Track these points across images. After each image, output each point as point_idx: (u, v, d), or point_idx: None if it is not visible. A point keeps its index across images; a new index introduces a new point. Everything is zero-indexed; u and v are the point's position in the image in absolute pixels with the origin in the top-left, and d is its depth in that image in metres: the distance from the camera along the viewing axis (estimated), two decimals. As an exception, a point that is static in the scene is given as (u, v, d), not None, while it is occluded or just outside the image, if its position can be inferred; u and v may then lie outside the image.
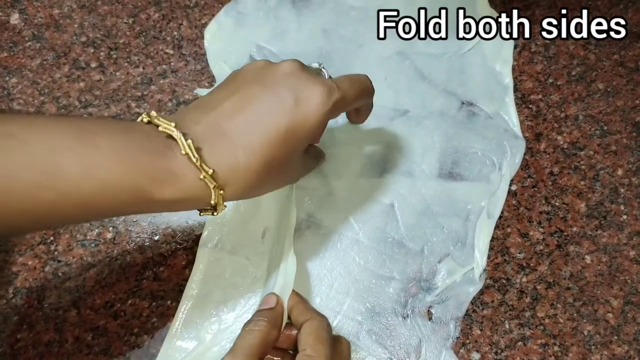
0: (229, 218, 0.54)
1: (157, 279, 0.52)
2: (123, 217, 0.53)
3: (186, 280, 0.52)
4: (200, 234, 0.53)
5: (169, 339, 0.50)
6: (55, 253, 0.52)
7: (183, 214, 0.54)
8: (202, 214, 0.41)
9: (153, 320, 0.51)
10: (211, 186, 0.37)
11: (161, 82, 0.57)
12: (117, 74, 0.57)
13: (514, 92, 0.58)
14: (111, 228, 0.53)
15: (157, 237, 0.53)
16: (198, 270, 0.52)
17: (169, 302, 0.51)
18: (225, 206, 0.40)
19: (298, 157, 0.43)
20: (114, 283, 0.51)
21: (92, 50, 0.57)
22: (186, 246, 0.53)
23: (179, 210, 0.39)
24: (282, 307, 0.45)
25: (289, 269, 0.47)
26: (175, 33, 0.58)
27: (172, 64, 0.58)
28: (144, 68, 0.57)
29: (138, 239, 0.53)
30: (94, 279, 0.51)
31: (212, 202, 0.38)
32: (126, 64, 0.57)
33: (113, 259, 0.52)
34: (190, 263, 0.52)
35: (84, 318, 0.50)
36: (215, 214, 0.40)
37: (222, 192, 0.38)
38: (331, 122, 0.55)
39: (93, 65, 0.57)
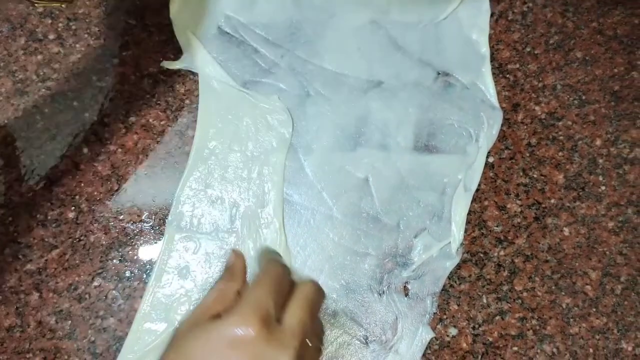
0: (197, 197, 0.52)
1: (123, 259, 0.50)
2: (85, 196, 0.51)
3: (153, 260, 0.50)
4: (168, 212, 0.51)
5: (137, 321, 0.49)
6: (15, 234, 0.49)
7: (149, 190, 0.51)
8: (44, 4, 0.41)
9: (119, 303, 0.49)
10: None
11: (123, 54, 0.54)
12: (77, 46, 0.54)
13: (491, 61, 0.57)
14: (73, 207, 0.50)
15: (122, 216, 0.51)
16: (166, 250, 0.50)
17: (136, 283, 0.49)
18: None
19: None
20: (78, 265, 0.49)
21: (50, 21, 0.54)
22: (153, 225, 0.51)
23: None
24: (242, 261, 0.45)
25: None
26: (138, 2, 0.56)
27: (134, 35, 0.55)
28: (105, 40, 0.55)
29: (102, 219, 0.51)
30: (56, 261, 0.49)
31: None
32: (86, 36, 0.55)
33: (76, 240, 0.50)
34: (158, 242, 0.50)
35: (47, 301, 0.48)
36: None
37: None
38: (301, 95, 0.54)
39: (51, 37, 0.54)
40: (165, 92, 0.54)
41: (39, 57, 0.54)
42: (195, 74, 0.54)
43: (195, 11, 0.56)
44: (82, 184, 0.51)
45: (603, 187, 0.53)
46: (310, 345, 0.38)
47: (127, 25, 0.55)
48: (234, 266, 0.44)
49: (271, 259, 0.44)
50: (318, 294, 0.41)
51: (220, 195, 0.52)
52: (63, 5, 0.47)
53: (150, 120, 0.53)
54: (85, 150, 0.52)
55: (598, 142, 0.54)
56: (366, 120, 0.55)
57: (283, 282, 0.41)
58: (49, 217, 0.50)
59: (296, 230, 0.52)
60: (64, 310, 0.48)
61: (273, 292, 0.39)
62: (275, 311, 0.38)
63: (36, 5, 0.45)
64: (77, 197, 0.51)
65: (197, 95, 0.54)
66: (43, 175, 0.51)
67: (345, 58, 0.56)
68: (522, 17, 0.59)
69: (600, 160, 0.54)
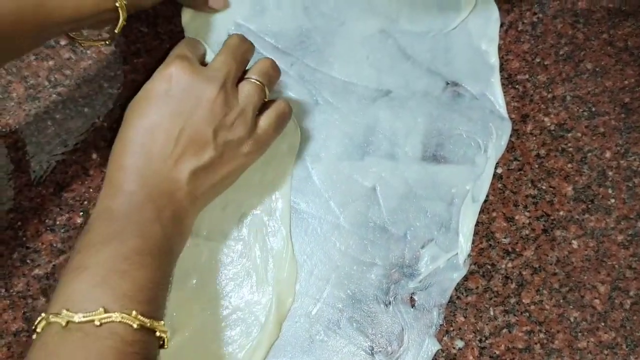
0: (205, 202, 0.52)
1: (130, 265, 0.50)
2: (95, 202, 0.51)
3: (160, 266, 0.50)
4: (176, 219, 0.51)
5: (143, 327, 0.48)
6: (24, 239, 0.50)
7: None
8: (88, 44, 0.50)
9: (126, 309, 0.49)
10: None
11: (135, 61, 0.55)
12: (89, 52, 0.55)
13: (500, 72, 0.57)
14: (82, 213, 0.51)
15: (130, 222, 0.51)
16: (173, 257, 0.50)
17: (142, 289, 0.49)
18: (125, 22, 0.46)
19: None
20: (85, 270, 0.49)
21: (62, 28, 0.55)
22: (160, 232, 0.51)
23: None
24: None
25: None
26: (151, 10, 0.56)
27: (146, 42, 0.55)
28: (116, 46, 0.55)
29: (110, 225, 0.51)
30: (64, 266, 0.49)
31: (117, 3, 0.44)
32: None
33: (84, 245, 0.50)
34: (165, 249, 0.50)
35: (54, 306, 0.48)
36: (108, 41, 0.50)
37: None
38: (309, 103, 0.54)
39: (63, 43, 0.55)
40: (175, 100, 0.54)
41: (51, 62, 0.54)
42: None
43: (206, 19, 0.57)
44: (92, 190, 0.51)
45: (612, 200, 0.52)
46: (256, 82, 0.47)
47: (139, 32, 0.56)
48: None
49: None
50: (240, 42, 0.49)
51: (228, 203, 0.52)
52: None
53: (160, 127, 0.53)
54: (95, 156, 0.52)
55: (608, 154, 0.54)
56: (374, 129, 0.55)
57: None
58: (58, 222, 0.50)
59: (303, 238, 0.52)
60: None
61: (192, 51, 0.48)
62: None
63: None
64: (86, 202, 0.51)
65: (207, 103, 0.54)
66: (52, 181, 0.51)
67: (354, 67, 0.56)
68: (532, 27, 0.59)
69: (610, 173, 0.53)
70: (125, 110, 0.45)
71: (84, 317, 0.34)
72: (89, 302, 0.35)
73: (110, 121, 0.53)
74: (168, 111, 0.43)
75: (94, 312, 0.34)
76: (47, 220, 0.50)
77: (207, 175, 0.45)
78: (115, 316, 0.34)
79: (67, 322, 0.34)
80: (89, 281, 0.36)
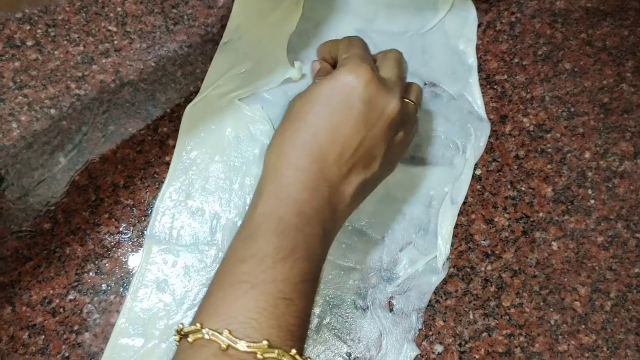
0: (177, 208, 0.50)
1: (100, 272, 0.48)
2: (62, 206, 0.49)
3: (131, 273, 0.48)
4: (147, 224, 0.50)
5: (113, 336, 0.47)
6: (-13, 246, 0.48)
7: (127, 200, 0.50)
8: None
9: (95, 317, 0.47)
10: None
11: (103, 61, 0.53)
12: (56, 52, 0.53)
13: (479, 72, 0.56)
14: (48, 218, 0.49)
15: (99, 227, 0.49)
16: (144, 262, 0.49)
17: (112, 296, 0.48)
18: None
19: None
20: (52, 277, 0.48)
21: (29, 27, 0.53)
22: (131, 237, 0.49)
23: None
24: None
25: None
26: (119, 9, 0.54)
27: (115, 42, 0.54)
28: (84, 46, 0.53)
29: (78, 230, 0.49)
30: (30, 274, 0.48)
31: None
32: (65, 42, 0.53)
33: (51, 252, 0.48)
34: (136, 255, 0.49)
35: (20, 315, 0.47)
36: None
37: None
38: (284, 105, 0.52)
39: (29, 43, 0.53)
40: (146, 101, 0.53)
41: (17, 63, 0.52)
42: (176, 83, 0.53)
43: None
44: (59, 194, 0.50)
45: (592, 201, 0.52)
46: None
47: (108, 32, 0.54)
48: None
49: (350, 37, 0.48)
50: (402, 58, 0.48)
51: (200, 207, 0.51)
52: None
53: (130, 129, 0.52)
54: (62, 159, 0.51)
55: (587, 154, 0.53)
56: (352, 130, 0.54)
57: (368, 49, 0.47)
58: (24, 228, 0.49)
59: (278, 243, 0.50)
60: (38, 325, 0.47)
61: (366, 53, 0.45)
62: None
63: None
64: (52, 207, 0.49)
65: (178, 104, 0.53)
66: (18, 185, 0.49)
67: (331, 67, 0.55)
68: (510, 27, 0.58)
69: (590, 174, 0.53)
70: (293, 101, 0.43)
71: (247, 347, 0.32)
72: (253, 329, 0.33)
73: (78, 123, 0.51)
74: (353, 118, 0.40)
75: (258, 344, 0.33)
76: (12, 226, 0.49)
77: (364, 191, 0.43)
78: (278, 353, 0.33)
79: (228, 347, 0.33)
80: (256, 303, 0.34)
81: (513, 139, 0.54)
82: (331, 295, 0.49)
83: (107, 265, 0.49)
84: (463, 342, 0.48)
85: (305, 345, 0.37)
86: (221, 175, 0.51)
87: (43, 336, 0.46)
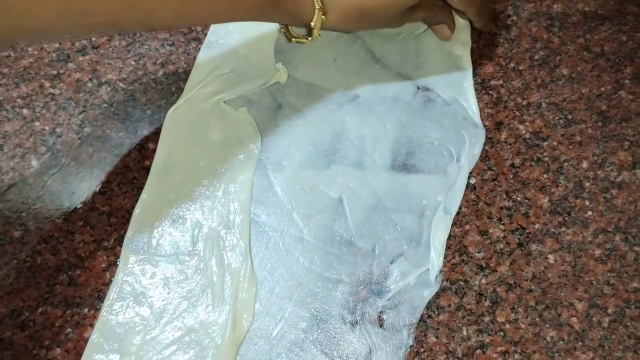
0: (156, 216, 0.48)
1: (73, 283, 0.46)
2: (33, 213, 0.46)
3: (106, 284, 0.46)
4: (125, 232, 0.47)
5: (87, 352, 0.45)
6: (-48, 255, 0.45)
7: (104, 207, 0.47)
8: (295, 40, 0.48)
9: (67, 331, 0.45)
10: (317, 7, 0.44)
11: (80, 59, 0.50)
12: (29, 49, 0.50)
13: (473, 76, 0.54)
14: (19, 225, 0.46)
15: (73, 235, 0.47)
16: (121, 273, 0.46)
17: (86, 310, 0.45)
18: (319, 35, 0.46)
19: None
20: (22, 289, 0.46)
21: (0, 22, 0.50)
22: (107, 246, 0.47)
23: (279, 22, 0.46)
24: None
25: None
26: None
27: (92, 38, 0.51)
28: (60, 43, 0.51)
29: (50, 238, 0.46)
30: (-3, 282, 0.45)
31: (312, 23, 0.45)
32: (40, 38, 0.51)
33: (21, 261, 0.46)
34: (112, 265, 0.46)
35: (-14, 329, 0.44)
36: (309, 39, 0.47)
37: (324, 17, 0.45)
38: (271, 107, 0.50)
39: (1, 38, 0.50)
40: (125, 101, 0.50)
41: (-13, 60, 0.50)
42: (157, 83, 0.51)
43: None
44: (30, 200, 0.47)
45: (590, 212, 0.50)
46: None
47: (85, 28, 0.51)
48: None
49: None
50: None
51: (182, 215, 0.48)
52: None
53: (108, 131, 0.49)
54: (35, 162, 0.48)
55: (585, 164, 0.52)
56: (341, 136, 0.52)
57: None
58: (-8, 236, 0.46)
59: (264, 253, 0.48)
60: (5, 339, 0.44)
61: None
62: None
63: (293, 40, 0.49)
64: (23, 214, 0.47)
65: (159, 105, 0.50)
66: (-14, 190, 0.47)
67: (320, 69, 0.53)
68: (506, 31, 0.56)
69: (587, 184, 0.51)
70: None
71: None
72: None
73: (53, 125, 0.48)
74: None
75: None
76: (-21, 234, 0.46)
77: (362, 14, 0.46)
78: None
79: None
80: None
81: (509, 146, 0.52)
82: (318, 309, 0.47)
83: (81, 276, 0.46)
84: (456, 360, 0.46)
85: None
86: (204, 181, 0.49)
87: (11, 352, 0.44)
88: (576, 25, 0.56)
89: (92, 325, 0.45)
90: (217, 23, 0.45)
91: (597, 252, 0.49)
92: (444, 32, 0.54)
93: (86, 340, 0.44)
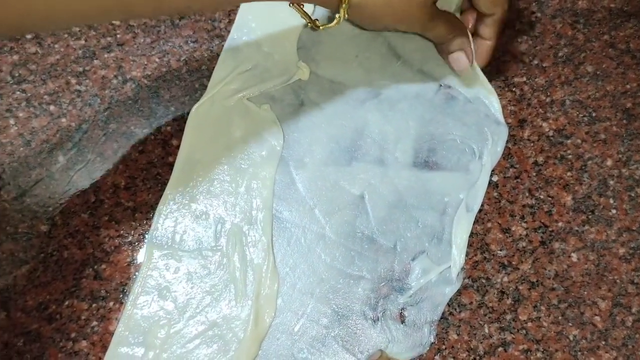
0: (180, 211, 0.48)
1: (98, 277, 0.46)
2: (60, 209, 0.47)
3: (131, 279, 0.46)
4: (149, 228, 0.48)
5: (113, 345, 0.45)
6: (-19, 248, 0.46)
7: (128, 202, 0.48)
8: (322, 27, 0.47)
9: (93, 324, 0.45)
10: None
11: (105, 56, 0.51)
12: (56, 46, 0.51)
13: (496, 74, 0.54)
14: (46, 220, 0.47)
15: (99, 230, 0.47)
16: (145, 268, 0.47)
17: (111, 303, 0.46)
18: (346, 16, 0.43)
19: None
20: (49, 282, 0.46)
21: (28, 20, 0.51)
22: (132, 240, 0.47)
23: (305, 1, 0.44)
24: None
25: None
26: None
27: (118, 36, 0.52)
28: (86, 40, 0.51)
29: (76, 233, 0.47)
30: (26, 278, 0.46)
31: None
32: (66, 36, 0.51)
33: (48, 255, 0.47)
34: (136, 260, 0.47)
35: (14, 321, 0.45)
36: (332, 24, 0.45)
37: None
38: (294, 104, 0.51)
39: (28, 36, 0.51)
40: (149, 98, 0.51)
41: (15, 57, 0.50)
42: (181, 80, 0.51)
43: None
44: (57, 195, 0.48)
45: (614, 211, 0.50)
46: None
47: (111, 25, 0.52)
48: None
49: None
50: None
51: (205, 210, 0.49)
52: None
53: (132, 127, 0.50)
54: (61, 158, 0.49)
55: (609, 162, 0.51)
56: (363, 132, 0.52)
57: None
58: (20, 230, 0.47)
59: (285, 249, 0.48)
60: (33, 332, 0.45)
61: None
62: None
63: (321, 28, 0.48)
64: (50, 208, 0.48)
65: (183, 102, 0.51)
66: (15, 184, 0.47)
67: (342, 66, 0.53)
68: (530, 27, 0.56)
69: (611, 182, 0.51)
70: None
71: None
72: None
73: (79, 121, 0.49)
74: None
75: None
76: (7, 228, 0.47)
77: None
78: None
79: None
80: None
81: (532, 144, 0.52)
82: (340, 305, 0.47)
83: (106, 270, 0.47)
84: (477, 357, 0.45)
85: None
86: (227, 177, 0.49)
87: (38, 344, 0.45)
88: (601, 21, 0.56)
89: (117, 319, 0.45)
90: (243, 2, 0.44)
91: (621, 250, 0.49)
92: (460, 61, 0.50)
93: (111, 334, 0.45)
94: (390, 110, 0.52)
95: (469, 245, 0.48)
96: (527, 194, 0.50)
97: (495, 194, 0.50)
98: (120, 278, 0.47)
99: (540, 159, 0.51)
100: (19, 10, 0.32)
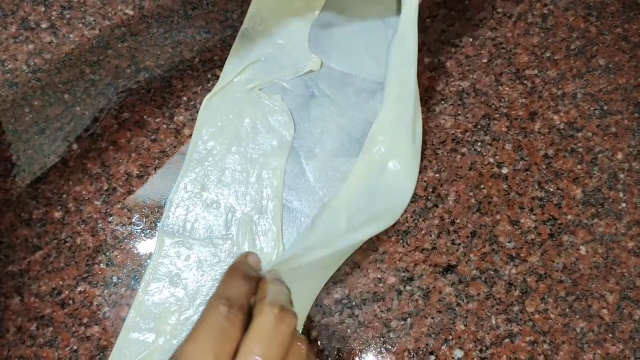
0: (191, 200, 0.49)
1: (111, 264, 0.47)
2: (73, 195, 0.48)
3: (142, 266, 0.47)
4: (161, 215, 0.48)
5: (124, 330, 0.46)
6: (-3, 234, 0.47)
7: (141, 190, 0.48)
8: None
9: (105, 310, 0.46)
10: None
11: (119, 45, 0.51)
12: (71, 36, 0.51)
13: (508, 66, 0.54)
14: (59, 207, 0.48)
15: (111, 217, 0.48)
16: (156, 255, 0.47)
17: (123, 289, 0.47)
18: None
19: None
20: (62, 268, 0.47)
21: (43, 9, 0.52)
22: (143, 228, 0.48)
23: None
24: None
25: None
26: (137, -8, 0.53)
27: (131, 26, 0.52)
28: (100, 30, 0.52)
29: (90, 220, 0.48)
30: (39, 263, 0.47)
31: None
32: (81, 25, 0.52)
33: (61, 241, 0.47)
34: (148, 247, 0.47)
35: (28, 306, 0.46)
36: None
37: None
38: (305, 95, 0.51)
39: (44, 25, 0.51)
40: (162, 88, 0.51)
41: (30, 46, 0.51)
42: (193, 70, 0.52)
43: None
44: (71, 182, 0.48)
45: (623, 204, 0.50)
46: None
47: (124, 15, 0.52)
48: None
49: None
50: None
51: (216, 199, 0.49)
52: None
53: (145, 116, 0.50)
54: (75, 146, 0.49)
55: (619, 155, 0.51)
56: (373, 123, 0.52)
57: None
58: (34, 216, 0.47)
59: (295, 239, 0.49)
60: (46, 316, 0.46)
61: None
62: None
63: None
64: (64, 195, 0.48)
65: (195, 92, 0.51)
66: (29, 172, 0.48)
67: (353, 58, 0.53)
68: (542, 20, 0.55)
69: (622, 175, 0.50)
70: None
71: None
72: None
73: (92, 109, 0.50)
74: None
75: None
76: (22, 214, 0.47)
77: None
78: None
79: None
80: None
81: (542, 137, 0.52)
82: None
83: (118, 256, 0.47)
84: (484, 348, 0.46)
85: None
86: (238, 167, 0.50)
87: (51, 328, 0.45)
88: (614, 14, 0.55)
89: (128, 305, 0.46)
90: None
91: (630, 244, 0.49)
92: None
93: (123, 319, 0.46)
94: (400, 102, 0.52)
95: (478, 237, 0.49)
96: (536, 187, 0.50)
97: (504, 186, 0.50)
98: (132, 265, 0.47)
99: (551, 151, 0.51)
100: None
